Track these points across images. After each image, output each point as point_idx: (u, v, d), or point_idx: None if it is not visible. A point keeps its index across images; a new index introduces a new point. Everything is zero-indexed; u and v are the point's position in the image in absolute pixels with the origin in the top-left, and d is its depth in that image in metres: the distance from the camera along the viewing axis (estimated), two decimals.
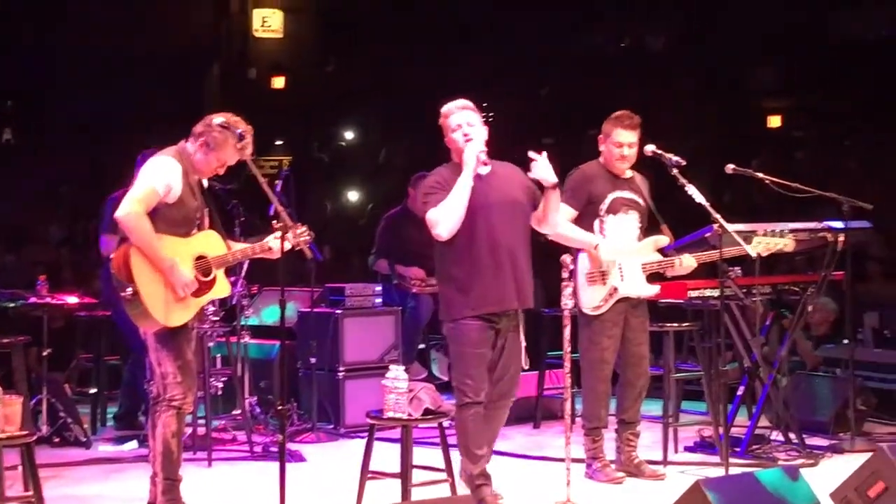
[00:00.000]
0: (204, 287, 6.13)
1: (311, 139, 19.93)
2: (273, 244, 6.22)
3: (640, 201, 7.28)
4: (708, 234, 7.13)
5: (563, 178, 7.02)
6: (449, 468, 6.38)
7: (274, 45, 19.98)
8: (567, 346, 6.57)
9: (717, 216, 6.74)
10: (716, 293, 7.20)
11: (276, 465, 5.85)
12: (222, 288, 6.29)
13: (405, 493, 6.18)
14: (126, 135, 15.30)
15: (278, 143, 19.21)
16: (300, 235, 6.15)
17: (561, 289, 6.60)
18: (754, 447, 7.77)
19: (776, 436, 7.99)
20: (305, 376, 9.04)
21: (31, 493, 5.96)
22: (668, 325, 7.80)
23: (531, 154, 6.24)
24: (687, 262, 7.21)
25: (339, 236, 16.19)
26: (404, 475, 6.21)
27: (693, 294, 7.48)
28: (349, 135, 20.14)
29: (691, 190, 6.81)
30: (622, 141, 7.20)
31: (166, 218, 5.97)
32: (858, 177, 15.04)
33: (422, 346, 10.17)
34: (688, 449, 8.04)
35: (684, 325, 8.03)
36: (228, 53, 19.98)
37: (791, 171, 12.26)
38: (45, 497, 5.97)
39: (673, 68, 17.47)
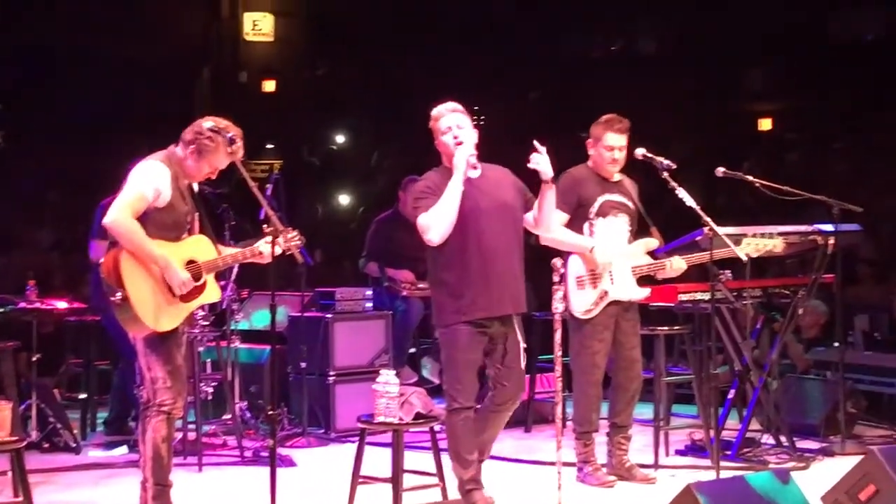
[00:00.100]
0: (194, 291, 6.11)
1: (301, 143, 19.91)
2: (264, 248, 6.21)
3: (630, 204, 7.29)
4: (699, 238, 7.14)
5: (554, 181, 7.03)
6: (440, 473, 6.37)
7: (265, 49, 19.96)
8: (558, 350, 6.56)
9: (708, 219, 6.74)
10: (706, 296, 7.20)
11: (266, 470, 5.84)
12: (212, 292, 6.27)
13: (396, 497, 6.18)
14: (117, 139, 15.28)
15: (269, 146, 19.18)
16: (291, 240, 6.13)
17: (552, 292, 6.60)
18: (745, 450, 7.77)
19: (767, 439, 7.99)
20: (296, 381, 9.03)
21: (21, 498, 5.95)
22: (659, 328, 7.80)
23: (536, 144, 6.23)
24: (677, 264, 7.21)
25: (330, 240, 16.17)
26: (395, 480, 6.21)
27: (684, 297, 7.49)
28: (340, 138, 20.12)
29: (682, 193, 6.82)
30: (613, 144, 7.20)
31: (156, 222, 5.95)
32: (849, 180, 15.06)
33: (412, 350, 10.16)
34: (678, 452, 8.04)
35: (675, 328, 8.03)
36: (219, 57, 19.96)
37: (782, 173, 12.30)
38: (36, 503, 5.95)
39: (663, 71, 17.48)
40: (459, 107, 6.37)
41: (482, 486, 6.39)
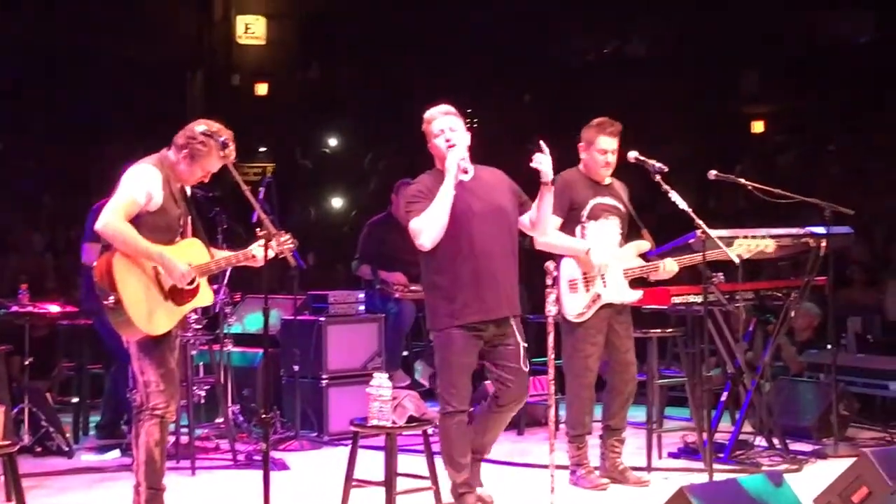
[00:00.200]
0: (187, 295, 6.11)
1: (294, 146, 19.91)
2: (257, 252, 6.20)
3: (621, 207, 7.29)
4: (692, 241, 7.16)
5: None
6: (433, 476, 6.37)
7: (257, 52, 19.96)
8: (551, 353, 6.56)
9: (700, 222, 6.75)
10: (699, 299, 7.21)
11: (259, 474, 5.83)
12: (205, 296, 6.27)
13: (389, 501, 6.17)
14: (110, 142, 15.29)
15: (262, 149, 19.19)
16: (284, 243, 6.12)
17: (545, 295, 6.60)
18: (738, 453, 7.78)
19: (760, 441, 8.00)
20: (289, 384, 9.03)
21: (13, 502, 5.94)
22: (652, 331, 7.80)
23: (542, 144, 6.22)
24: (669, 266, 7.22)
25: (323, 243, 16.17)
26: (388, 483, 6.20)
27: (677, 300, 7.50)
28: (333, 141, 20.13)
29: (674, 196, 6.82)
30: (605, 148, 7.20)
31: (149, 226, 5.94)
32: (841, 182, 15.09)
33: (405, 353, 10.16)
34: (671, 455, 8.05)
35: (668, 331, 8.04)
36: (212, 60, 19.95)
37: (774, 176, 12.33)
38: None
39: (656, 74, 17.50)
40: (452, 109, 6.36)
41: (475, 489, 6.39)
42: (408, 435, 7.03)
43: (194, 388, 8.22)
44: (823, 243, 7.77)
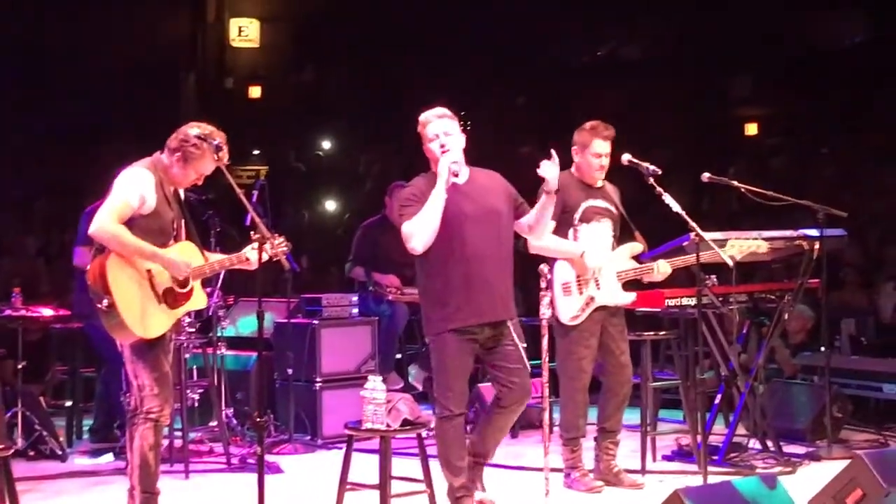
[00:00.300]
0: (181, 298, 6.10)
1: (287, 149, 19.90)
2: (250, 255, 6.19)
3: (613, 209, 7.29)
4: (685, 243, 7.16)
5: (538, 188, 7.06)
6: (428, 479, 6.36)
7: (251, 55, 19.95)
8: (545, 356, 6.56)
9: (694, 225, 6.75)
10: (693, 302, 7.21)
11: (253, 477, 5.83)
12: (199, 299, 6.26)
13: None
14: (103, 145, 15.26)
15: (255, 152, 19.17)
16: (278, 246, 6.11)
17: (539, 298, 6.60)
18: (732, 455, 7.78)
19: (754, 444, 8.00)
20: (282, 387, 9.03)
21: None
22: (646, 333, 7.81)
23: (553, 152, 6.22)
24: (663, 267, 7.22)
25: (317, 246, 16.15)
26: (383, 486, 6.20)
27: (670, 303, 7.50)
28: (326, 144, 20.11)
29: (668, 199, 6.82)
30: (600, 151, 7.20)
31: (142, 229, 5.93)
32: (834, 184, 15.10)
33: (398, 356, 10.15)
34: (665, 458, 8.05)
35: (662, 333, 8.04)
36: (205, 63, 19.93)
37: (767, 178, 12.34)
38: None
39: (649, 77, 17.51)
40: (447, 112, 6.32)
41: (472, 493, 6.37)
42: (402, 438, 7.02)
43: (188, 391, 8.21)
44: (817, 245, 7.78)
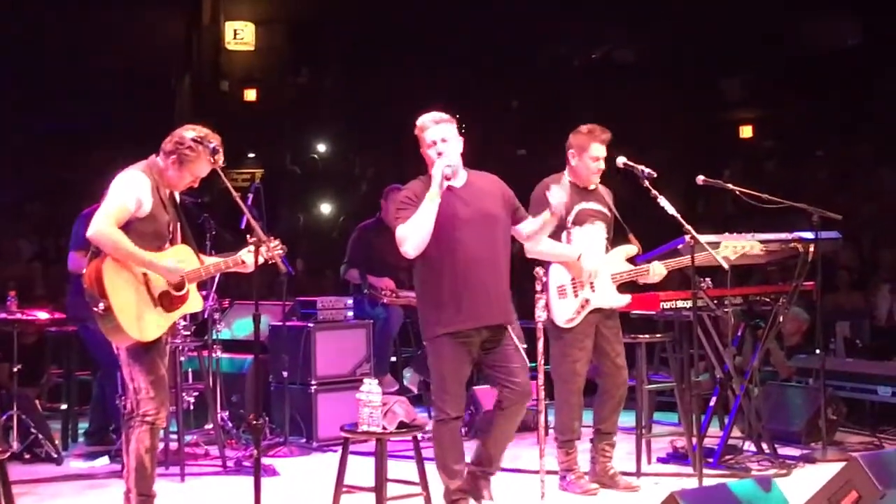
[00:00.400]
0: (177, 301, 6.10)
1: (283, 151, 19.91)
2: (246, 258, 6.19)
3: (606, 212, 7.29)
4: (680, 246, 7.16)
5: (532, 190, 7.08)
6: (424, 482, 6.36)
7: (246, 58, 19.96)
8: (541, 358, 6.57)
9: (689, 227, 6.76)
10: (688, 304, 7.22)
11: (248, 480, 5.83)
12: (195, 302, 6.26)
13: None
14: (98, 148, 15.26)
15: (251, 155, 19.19)
16: (274, 249, 6.11)
17: (534, 301, 6.61)
18: (727, 458, 7.78)
19: (749, 446, 8.01)
20: (277, 390, 9.03)
21: None
22: (641, 336, 7.81)
23: (565, 185, 6.29)
24: (658, 269, 7.22)
25: (312, 249, 16.17)
26: (379, 489, 6.20)
27: (665, 305, 7.50)
28: (321, 147, 20.13)
29: (663, 201, 6.82)
30: (598, 155, 7.20)
31: (138, 232, 5.93)
32: (828, 187, 15.14)
33: (393, 358, 10.15)
34: (661, 460, 8.05)
35: (657, 336, 8.04)
36: (200, 66, 19.95)
37: (762, 181, 12.36)
38: None
39: (644, 79, 17.54)
40: (445, 117, 6.30)
41: (468, 497, 6.37)
42: (398, 440, 7.02)
43: (183, 394, 8.21)
44: (812, 248, 7.79)
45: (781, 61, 17.12)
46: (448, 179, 6.13)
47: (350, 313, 9.31)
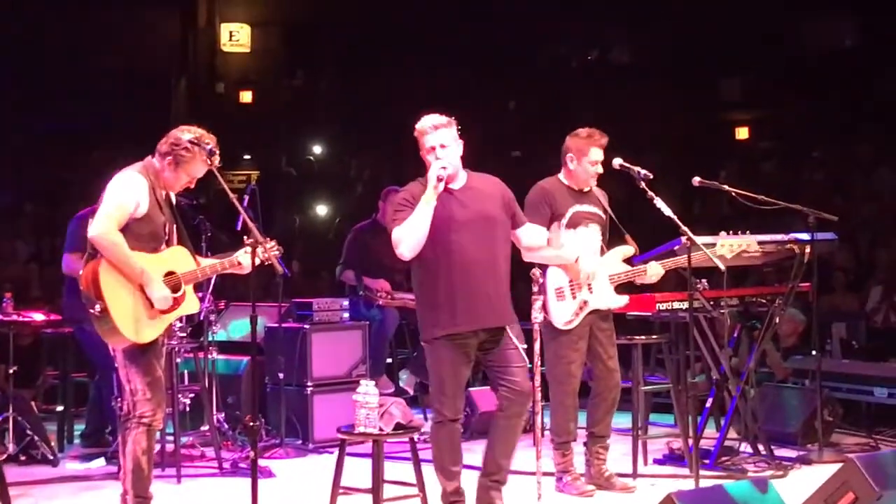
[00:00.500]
0: (174, 303, 6.10)
1: (279, 153, 19.91)
2: (243, 259, 6.19)
3: (601, 214, 7.29)
4: (676, 247, 7.17)
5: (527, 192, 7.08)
6: (420, 483, 6.36)
7: (242, 60, 19.96)
8: (537, 360, 6.57)
9: (686, 229, 6.76)
10: (684, 306, 7.22)
11: (244, 481, 5.83)
12: (191, 304, 6.26)
13: None
14: (94, 150, 15.26)
15: (246, 157, 19.18)
16: (270, 250, 6.11)
17: (531, 302, 6.61)
18: (723, 459, 7.78)
19: (745, 447, 8.02)
20: (273, 391, 9.02)
21: None
22: (637, 337, 7.80)
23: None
24: (655, 269, 7.23)
25: (307, 251, 16.16)
26: (376, 490, 6.20)
27: (662, 307, 7.50)
28: (317, 149, 20.13)
29: (659, 203, 6.82)
30: (597, 159, 7.20)
31: (134, 234, 5.93)
32: (825, 188, 15.14)
33: (389, 360, 10.14)
34: (657, 461, 8.05)
35: (653, 337, 8.04)
36: (196, 68, 19.95)
37: (758, 182, 12.36)
38: None
39: (644, 79, 17.54)
40: (443, 121, 6.24)
41: (465, 498, 6.36)
42: (395, 442, 7.02)
43: (179, 395, 8.20)
44: (808, 249, 7.79)
45: (781, 61, 17.13)
46: (441, 181, 6.11)
47: (346, 315, 9.31)
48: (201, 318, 8.55)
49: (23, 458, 8.26)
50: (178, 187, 6.19)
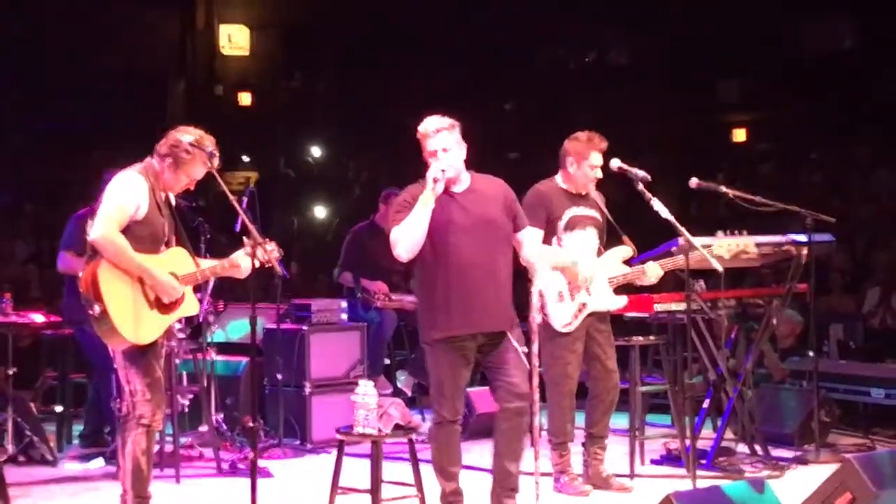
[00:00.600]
0: (172, 304, 6.11)
1: (277, 155, 19.91)
2: (242, 261, 6.20)
3: (598, 216, 7.30)
4: (674, 249, 7.18)
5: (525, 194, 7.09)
6: (419, 484, 6.38)
7: (240, 62, 19.96)
8: (535, 361, 6.57)
9: (684, 230, 6.77)
10: (682, 307, 7.23)
11: (243, 482, 5.85)
12: (191, 305, 6.27)
13: None
14: (92, 151, 15.26)
15: (245, 159, 19.18)
16: (270, 251, 6.12)
17: (529, 303, 6.62)
18: (720, 459, 7.80)
19: (742, 448, 8.03)
20: (271, 392, 9.04)
21: None
22: (635, 338, 7.81)
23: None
24: (653, 270, 7.24)
25: (306, 253, 16.17)
26: (374, 491, 6.22)
27: (659, 308, 7.52)
28: (316, 150, 20.13)
29: (657, 205, 6.83)
30: (597, 163, 7.21)
31: (134, 235, 5.94)
32: (822, 190, 15.15)
33: (387, 361, 10.16)
34: (654, 462, 8.06)
35: (650, 338, 8.06)
36: (194, 70, 19.95)
37: (756, 184, 12.37)
38: None
39: (642, 81, 17.55)
40: (445, 124, 6.20)
41: (463, 499, 6.37)
42: (393, 443, 7.03)
43: (178, 396, 8.21)
44: (805, 251, 7.81)
45: (779, 63, 17.13)
46: (437, 182, 6.10)
47: (344, 316, 9.32)
48: (200, 319, 8.56)
49: (22, 458, 8.27)
50: (177, 189, 6.20)
